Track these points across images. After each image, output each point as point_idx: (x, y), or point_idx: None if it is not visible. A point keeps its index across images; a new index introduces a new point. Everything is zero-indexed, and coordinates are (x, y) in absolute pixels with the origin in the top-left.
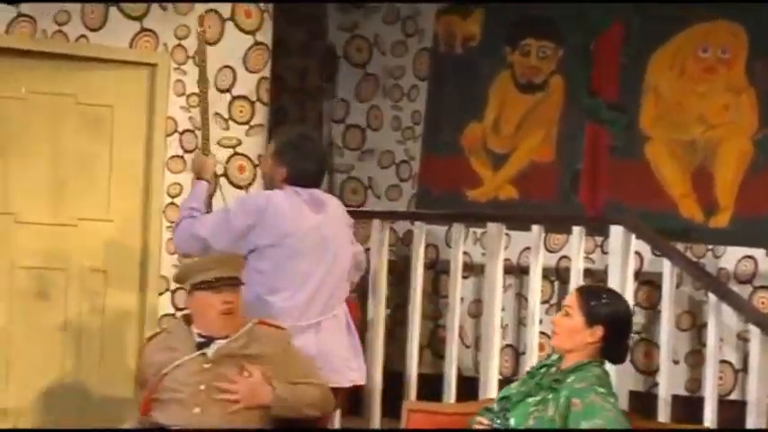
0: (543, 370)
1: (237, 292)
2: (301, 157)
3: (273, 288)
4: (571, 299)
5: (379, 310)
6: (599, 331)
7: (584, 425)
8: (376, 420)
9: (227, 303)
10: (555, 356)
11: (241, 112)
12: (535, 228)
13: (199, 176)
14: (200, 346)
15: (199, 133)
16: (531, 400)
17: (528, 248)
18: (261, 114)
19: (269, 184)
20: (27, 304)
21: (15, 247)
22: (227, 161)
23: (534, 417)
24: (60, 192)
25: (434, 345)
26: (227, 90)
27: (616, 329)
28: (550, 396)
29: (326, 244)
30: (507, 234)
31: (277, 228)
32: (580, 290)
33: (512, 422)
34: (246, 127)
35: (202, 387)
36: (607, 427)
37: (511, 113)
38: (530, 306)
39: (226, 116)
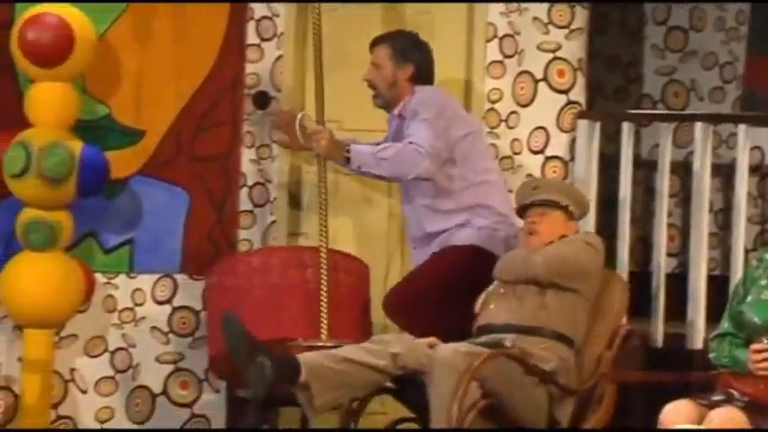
0: None
1: (549, 214)
2: (425, 53)
3: None
4: None
5: (701, 215)
6: None
7: None
8: (700, 325)
9: (531, 224)
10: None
11: (561, 15)
12: None
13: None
14: None
15: None
16: None
17: None
18: (581, 18)
19: (389, 92)
20: (353, 209)
21: None
22: (546, 66)
23: None
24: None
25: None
26: None
27: None
28: None
29: None
30: None
31: (464, 116)
32: None
33: None
34: (566, 31)
35: (502, 291)
36: None
37: None
38: None
39: (545, 20)
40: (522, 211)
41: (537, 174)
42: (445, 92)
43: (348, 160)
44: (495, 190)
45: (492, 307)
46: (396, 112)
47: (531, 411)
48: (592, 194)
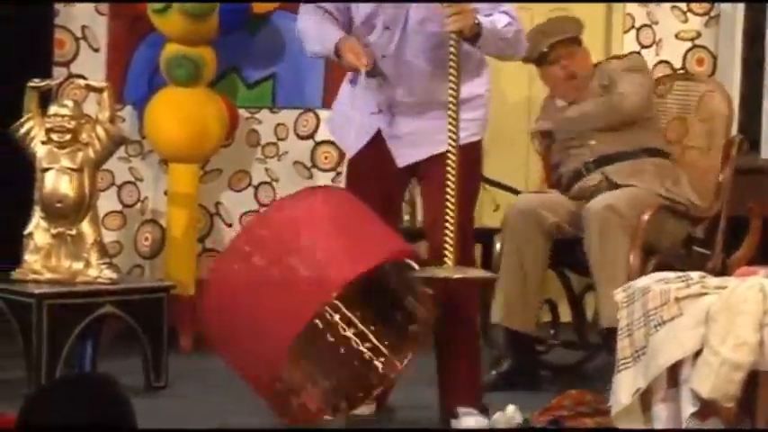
0: None
1: (574, 50)
2: None
3: None
4: None
5: None
6: None
7: None
8: None
9: (566, 67)
10: None
11: None
12: None
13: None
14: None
15: None
16: None
17: None
18: None
19: None
20: None
21: None
22: None
23: None
24: None
25: None
26: None
27: None
28: None
29: None
30: None
31: None
32: None
33: None
34: None
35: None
36: None
37: None
38: None
39: None
40: (538, 61)
41: (682, 7)
42: None
43: (476, 39)
44: None
45: (578, 147)
46: None
47: (677, 246)
48: (738, 26)
